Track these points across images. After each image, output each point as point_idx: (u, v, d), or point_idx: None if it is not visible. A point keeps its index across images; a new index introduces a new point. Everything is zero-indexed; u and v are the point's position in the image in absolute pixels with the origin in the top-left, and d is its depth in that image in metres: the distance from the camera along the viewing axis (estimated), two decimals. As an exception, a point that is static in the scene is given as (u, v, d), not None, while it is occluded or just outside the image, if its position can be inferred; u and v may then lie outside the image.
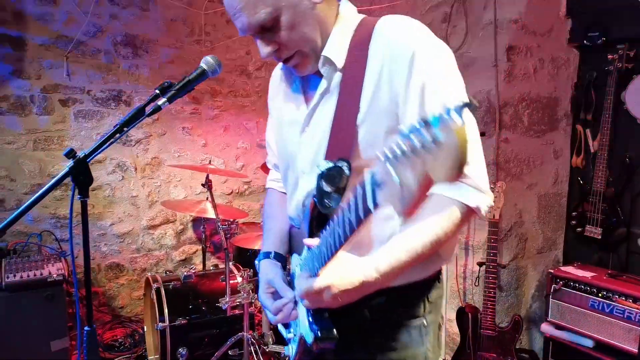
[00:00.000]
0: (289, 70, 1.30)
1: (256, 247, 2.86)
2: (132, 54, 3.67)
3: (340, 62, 1.17)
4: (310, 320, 1.13)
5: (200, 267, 3.83)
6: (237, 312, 2.81)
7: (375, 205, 0.69)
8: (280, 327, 1.40)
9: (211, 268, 3.53)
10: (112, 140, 1.27)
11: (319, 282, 1.01)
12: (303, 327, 1.18)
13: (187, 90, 1.33)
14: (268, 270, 1.33)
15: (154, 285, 2.84)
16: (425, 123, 0.56)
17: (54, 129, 3.46)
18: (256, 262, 1.41)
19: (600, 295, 2.46)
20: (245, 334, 2.77)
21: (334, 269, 1.01)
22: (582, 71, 3.01)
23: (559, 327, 2.65)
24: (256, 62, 4.22)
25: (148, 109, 1.30)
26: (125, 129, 1.28)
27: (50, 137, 3.45)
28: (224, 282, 2.79)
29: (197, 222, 4.05)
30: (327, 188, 1.07)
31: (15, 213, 1.18)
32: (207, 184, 2.92)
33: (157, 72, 3.77)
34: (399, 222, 1.12)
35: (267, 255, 1.38)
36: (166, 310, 2.74)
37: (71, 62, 3.45)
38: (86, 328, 1.30)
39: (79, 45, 3.46)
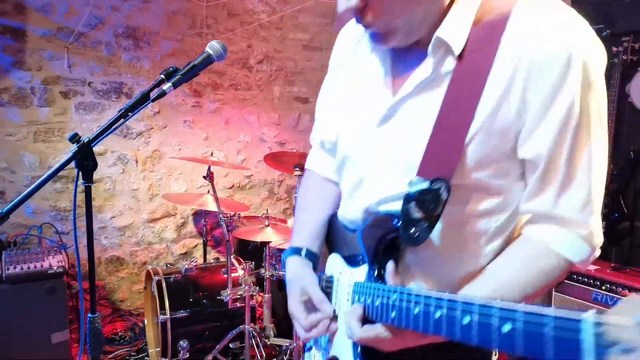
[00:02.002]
0: None
1: (258, 240, 2.84)
2: (133, 46, 3.65)
3: (458, 46, 0.87)
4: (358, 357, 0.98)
5: (200, 260, 3.82)
6: (238, 304, 2.80)
7: None
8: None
9: (212, 261, 3.52)
10: (116, 125, 1.25)
11: (383, 335, 0.87)
12: (341, 354, 1.03)
13: (192, 75, 1.31)
14: (301, 272, 1.11)
15: (155, 278, 2.83)
16: None
17: (55, 121, 3.44)
18: (283, 257, 1.19)
19: (603, 288, 2.45)
20: (246, 326, 2.76)
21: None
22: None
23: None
24: (257, 55, 4.20)
25: (153, 94, 1.28)
26: (130, 114, 1.26)
27: (51, 129, 3.43)
28: (225, 275, 2.78)
29: (198, 215, 4.03)
30: (416, 214, 0.85)
31: (18, 198, 1.17)
32: (209, 176, 2.90)
33: (158, 64, 3.74)
34: (479, 263, 0.96)
35: (297, 251, 1.15)
36: (167, 303, 2.73)
37: (72, 53, 3.43)
38: (90, 315, 1.28)
39: (80, 36, 3.43)
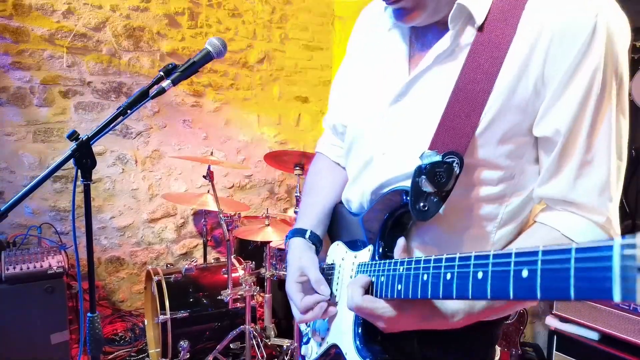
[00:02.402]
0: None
1: (258, 239, 2.83)
2: (133, 46, 3.64)
3: (479, 15, 0.85)
4: (359, 344, 0.94)
5: (201, 260, 3.81)
6: (238, 305, 2.79)
7: None
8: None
9: (212, 261, 3.51)
10: (115, 122, 1.24)
11: (384, 310, 0.84)
12: (341, 339, 1.00)
13: (192, 72, 1.30)
14: (302, 253, 1.08)
15: (155, 278, 2.81)
16: None
17: (54, 121, 3.43)
18: (286, 238, 1.17)
19: (606, 287, 2.44)
20: (247, 327, 2.75)
21: (413, 306, 0.84)
22: (587, 63, 2.98)
23: (564, 319, 2.63)
24: (258, 55, 4.19)
25: (152, 91, 1.27)
26: (128, 111, 1.25)
27: (50, 128, 3.42)
28: (226, 275, 2.77)
29: (198, 215, 4.02)
30: (426, 187, 0.82)
31: (16, 196, 1.16)
32: (209, 176, 2.89)
33: (158, 64, 3.73)
34: (489, 250, 0.96)
35: (302, 233, 1.12)
36: (167, 303, 2.72)
37: (71, 53, 3.42)
38: (89, 314, 1.27)
39: (80, 36, 3.42)
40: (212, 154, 3.28)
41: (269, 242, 2.89)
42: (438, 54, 0.89)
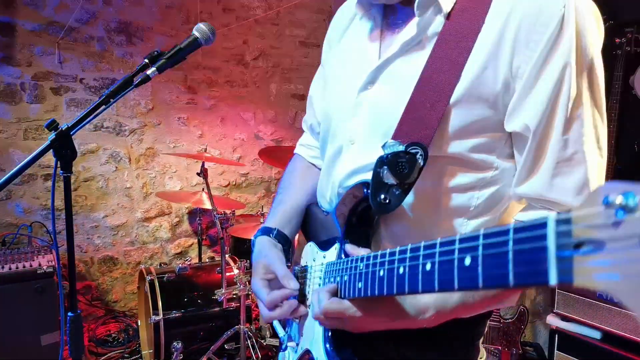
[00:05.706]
0: (367, 4, 0.99)
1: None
2: (125, 42, 3.58)
3: (447, 4, 0.84)
4: (329, 347, 0.89)
5: (196, 260, 3.75)
6: (233, 304, 2.74)
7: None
8: (276, 323, 1.16)
9: (207, 261, 3.45)
10: (98, 111, 1.18)
11: (351, 311, 0.80)
12: (313, 344, 0.96)
13: (178, 60, 1.25)
14: (266, 250, 1.04)
15: (148, 278, 2.76)
16: None
17: (46, 118, 3.36)
18: (253, 238, 1.12)
19: (608, 285, 2.39)
20: (241, 327, 2.69)
21: (380, 304, 0.81)
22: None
23: (565, 318, 2.57)
24: (253, 51, 4.13)
25: (136, 79, 1.21)
26: (111, 100, 1.19)
27: (42, 125, 3.36)
28: (220, 274, 2.71)
29: (193, 214, 3.96)
30: (388, 179, 0.79)
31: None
32: (203, 173, 2.83)
33: (152, 60, 3.67)
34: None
35: (267, 231, 1.09)
36: (160, 303, 2.66)
37: (63, 49, 3.36)
38: (70, 313, 1.21)
39: (71, 31, 3.36)
40: (206, 151, 3.22)
41: (264, 241, 2.83)
42: (404, 41, 0.88)
